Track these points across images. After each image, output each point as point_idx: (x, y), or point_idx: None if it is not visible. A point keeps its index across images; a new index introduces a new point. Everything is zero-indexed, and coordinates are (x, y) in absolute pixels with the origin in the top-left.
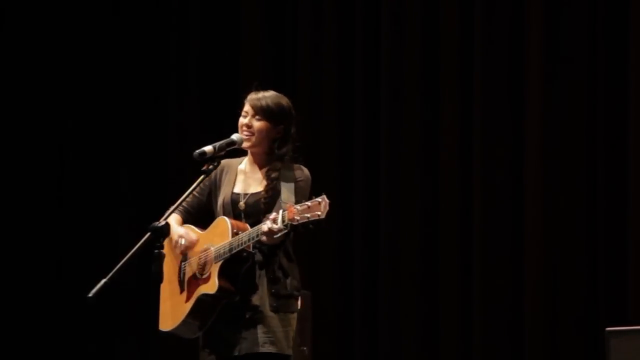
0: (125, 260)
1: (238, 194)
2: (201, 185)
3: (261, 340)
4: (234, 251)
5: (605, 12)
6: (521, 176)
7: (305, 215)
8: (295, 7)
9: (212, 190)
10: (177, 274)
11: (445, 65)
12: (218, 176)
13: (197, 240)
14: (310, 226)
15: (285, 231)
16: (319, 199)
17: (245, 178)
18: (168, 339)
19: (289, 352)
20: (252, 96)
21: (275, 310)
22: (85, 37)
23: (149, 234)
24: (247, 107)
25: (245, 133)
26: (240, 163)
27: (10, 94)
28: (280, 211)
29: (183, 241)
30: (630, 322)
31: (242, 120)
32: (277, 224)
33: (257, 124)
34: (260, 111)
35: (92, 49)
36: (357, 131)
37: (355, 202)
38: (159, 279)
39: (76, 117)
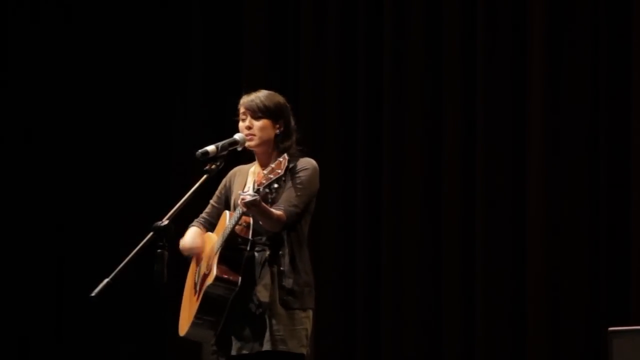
0: (128, 260)
1: None
2: (218, 194)
3: (271, 338)
4: (226, 235)
5: (607, 15)
6: (523, 176)
7: (269, 176)
8: (297, 6)
9: (228, 197)
10: (194, 279)
11: (448, 65)
12: (231, 181)
13: (199, 246)
14: (275, 185)
15: (257, 197)
16: (280, 159)
17: (254, 178)
18: (171, 340)
19: (300, 350)
20: (245, 99)
21: (284, 304)
22: (87, 36)
23: (151, 233)
24: (243, 110)
25: (247, 134)
26: (252, 167)
27: (11, 93)
28: (253, 182)
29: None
30: (632, 322)
31: (242, 124)
32: (248, 193)
33: (257, 123)
34: (258, 110)
35: (93, 48)
36: (360, 131)
37: (357, 203)
38: (161, 278)
39: (78, 116)
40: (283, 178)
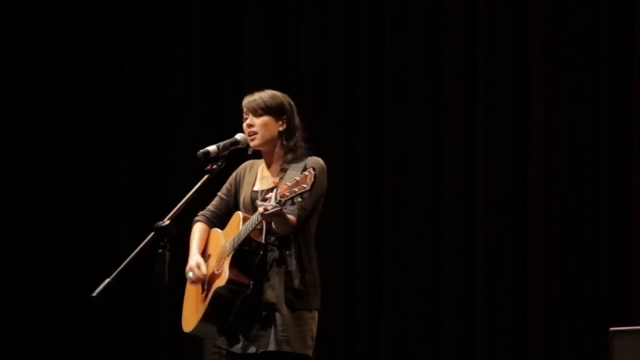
0: (129, 260)
1: (257, 192)
2: (227, 187)
3: (276, 339)
4: (241, 239)
5: (608, 18)
6: (524, 176)
7: (294, 189)
8: (298, 4)
9: (237, 191)
10: None
11: (448, 63)
12: (242, 176)
13: (206, 274)
14: (299, 199)
15: (278, 208)
16: (306, 173)
17: (262, 176)
18: (172, 339)
19: (306, 352)
20: (248, 98)
21: (290, 305)
22: (88, 36)
23: (152, 233)
24: (245, 110)
25: (250, 132)
26: (262, 163)
27: (12, 93)
28: (274, 190)
29: (191, 275)
30: (633, 322)
31: (245, 123)
32: (270, 203)
33: (258, 121)
34: (258, 108)
35: (95, 48)
36: (361, 130)
37: (358, 201)
38: (162, 278)
39: (78, 115)
40: (309, 193)
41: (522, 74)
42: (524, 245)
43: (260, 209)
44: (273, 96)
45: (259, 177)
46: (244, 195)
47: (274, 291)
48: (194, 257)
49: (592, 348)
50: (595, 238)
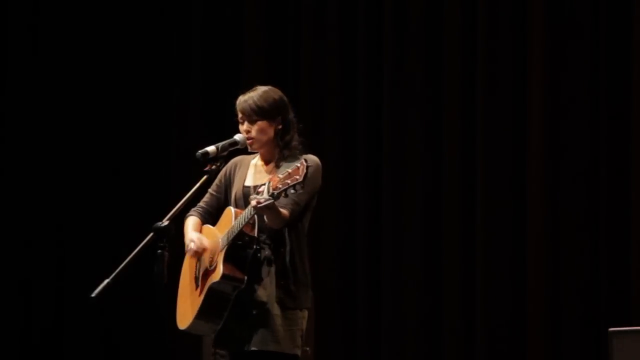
0: (128, 261)
1: (249, 187)
2: (217, 183)
3: (266, 338)
4: (234, 234)
5: (608, 19)
6: (524, 176)
7: (287, 181)
8: (298, 4)
9: (228, 187)
10: (194, 273)
11: (448, 64)
12: (232, 172)
13: (208, 246)
14: (292, 190)
15: (271, 200)
16: (297, 164)
17: (255, 172)
18: (172, 339)
19: (295, 351)
20: (240, 100)
21: (281, 303)
22: (88, 37)
23: (152, 234)
24: (240, 115)
25: (247, 138)
26: (254, 158)
27: (12, 94)
28: (266, 183)
29: (192, 245)
30: (633, 322)
31: (241, 127)
32: (263, 196)
33: (254, 127)
34: (253, 112)
35: (95, 49)
36: (360, 130)
37: (357, 201)
38: (162, 279)
39: (78, 115)
40: (302, 185)
41: (522, 74)
42: (523, 246)
43: (253, 202)
44: (266, 96)
45: (251, 172)
46: (236, 190)
47: (265, 290)
48: (192, 233)
49: (592, 348)
50: (595, 238)
